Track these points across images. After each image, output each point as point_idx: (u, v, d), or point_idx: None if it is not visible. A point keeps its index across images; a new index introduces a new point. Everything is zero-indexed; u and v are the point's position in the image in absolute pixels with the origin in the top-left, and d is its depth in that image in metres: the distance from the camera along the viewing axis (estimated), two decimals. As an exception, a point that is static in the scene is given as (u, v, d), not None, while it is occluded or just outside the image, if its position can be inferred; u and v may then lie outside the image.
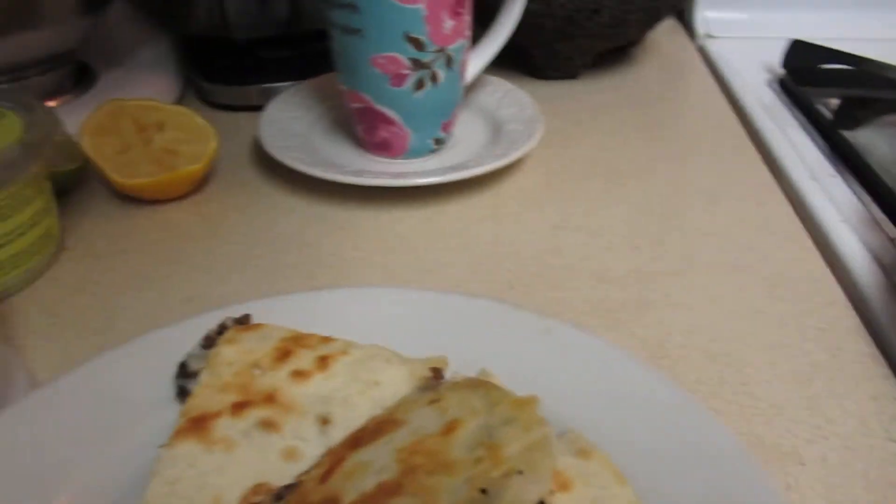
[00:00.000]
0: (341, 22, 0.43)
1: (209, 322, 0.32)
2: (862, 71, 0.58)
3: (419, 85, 0.45)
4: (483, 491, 0.21)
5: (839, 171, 0.48)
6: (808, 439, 0.31)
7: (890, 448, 0.30)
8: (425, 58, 0.43)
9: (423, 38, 0.43)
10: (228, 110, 0.59)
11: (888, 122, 0.53)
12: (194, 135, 0.46)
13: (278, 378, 0.29)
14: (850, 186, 0.47)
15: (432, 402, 0.26)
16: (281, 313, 0.33)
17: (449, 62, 0.45)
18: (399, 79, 0.44)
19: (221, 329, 0.31)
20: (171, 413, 0.29)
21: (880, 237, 0.42)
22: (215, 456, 0.26)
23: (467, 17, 0.45)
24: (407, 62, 0.43)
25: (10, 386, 0.31)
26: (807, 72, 0.59)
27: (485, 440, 0.23)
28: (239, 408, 0.27)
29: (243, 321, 0.32)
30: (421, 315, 0.33)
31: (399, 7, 0.41)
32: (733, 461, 0.25)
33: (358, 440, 0.26)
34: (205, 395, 0.28)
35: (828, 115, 0.54)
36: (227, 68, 0.62)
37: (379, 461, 0.24)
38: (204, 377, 0.28)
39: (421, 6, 0.41)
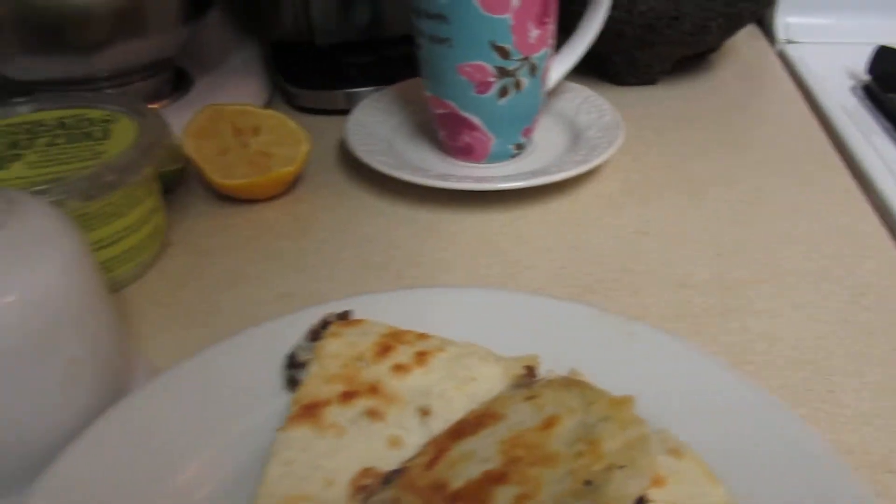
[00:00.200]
0: (430, 31, 0.45)
1: (311, 317, 0.34)
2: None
3: (503, 92, 0.46)
4: (587, 483, 0.22)
5: (926, 180, 0.48)
6: (897, 448, 0.31)
7: (982, 460, 0.30)
8: (510, 66, 0.45)
9: (508, 46, 0.44)
10: (312, 113, 0.61)
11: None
12: (287, 138, 0.48)
13: (380, 371, 0.30)
14: (937, 195, 0.46)
15: (529, 398, 0.28)
16: (377, 310, 0.34)
17: (533, 70, 0.46)
18: (484, 86, 0.46)
19: (324, 324, 0.33)
20: (280, 399, 0.31)
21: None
22: (326, 441, 0.28)
23: (552, 26, 0.46)
24: (492, 70, 0.45)
25: (134, 370, 0.33)
26: (893, 78, 0.59)
27: (583, 436, 0.24)
28: (346, 397, 0.29)
29: (344, 317, 0.34)
30: (511, 315, 0.34)
31: (487, 17, 0.42)
32: (824, 466, 0.26)
33: (459, 431, 0.27)
34: (314, 385, 0.30)
35: (914, 122, 0.53)
36: (311, 73, 0.64)
37: (482, 451, 0.25)
38: (312, 368, 0.30)
39: (508, 16, 0.43)
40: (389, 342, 0.31)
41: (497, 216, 0.48)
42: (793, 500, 0.25)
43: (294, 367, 0.32)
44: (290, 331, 0.34)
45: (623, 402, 0.25)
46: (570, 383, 0.28)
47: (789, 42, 0.69)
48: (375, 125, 0.54)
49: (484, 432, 0.26)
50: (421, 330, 0.33)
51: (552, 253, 0.44)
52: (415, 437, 0.28)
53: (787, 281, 0.41)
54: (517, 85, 0.46)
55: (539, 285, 0.41)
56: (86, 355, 0.29)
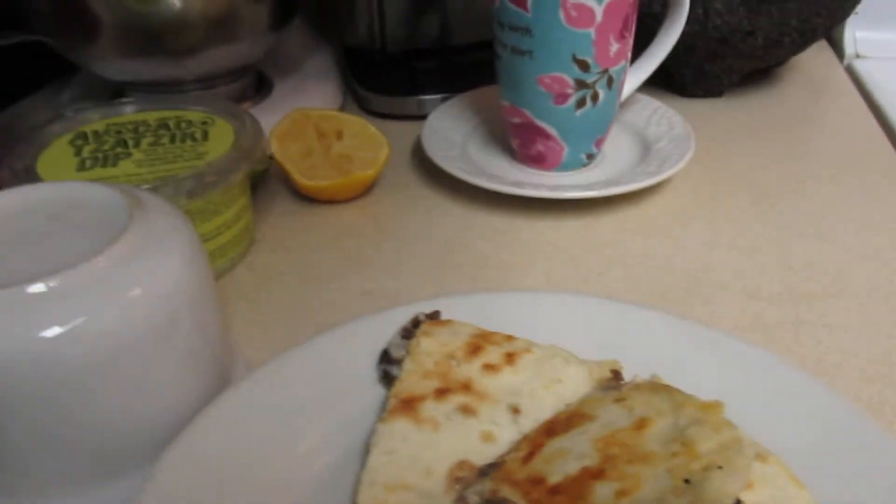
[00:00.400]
0: (512, 43, 0.46)
1: (401, 316, 0.36)
2: None
3: (580, 103, 0.47)
4: (686, 481, 0.23)
5: None
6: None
7: None
8: (589, 78, 0.46)
9: (589, 59, 0.45)
10: (382, 118, 0.63)
11: None
12: (369, 142, 0.51)
13: (472, 369, 0.32)
14: None
15: (618, 400, 0.29)
16: (463, 311, 0.36)
17: (610, 82, 0.47)
18: (563, 98, 0.47)
19: (416, 322, 0.35)
20: (373, 393, 0.33)
21: None
22: (424, 434, 0.30)
23: (630, 40, 0.47)
24: (571, 82, 0.46)
25: (234, 359, 0.35)
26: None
27: (676, 437, 0.26)
28: (441, 393, 0.31)
29: (434, 317, 0.35)
30: (592, 320, 0.35)
31: (571, 31, 0.44)
32: (907, 477, 0.27)
33: (552, 429, 0.29)
34: (410, 381, 0.31)
35: None
36: (383, 78, 0.66)
37: (577, 449, 0.27)
38: (407, 364, 0.32)
39: (591, 30, 0.44)
40: (479, 342, 0.33)
41: (568, 223, 0.49)
42: (877, 509, 0.26)
43: (388, 362, 0.33)
44: (382, 328, 0.35)
45: (713, 407, 0.27)
46: (658, 387, 0.29)
47: (858, 56, 0.69)
48: (449, 131, 0.56)
49: (576, 431, 0.28)
50: (504, 332, 0.35)
51: (624, 261, 0.45)
52: (506, 434, 0.30)
53: (859, 296, 0.42)
54: (594, 97, 0.47)
55: (612, 292, 0.43)
56: (201, 344, 0.32)
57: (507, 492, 0.26)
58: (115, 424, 0.29)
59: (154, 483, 0.27)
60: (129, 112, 0.46)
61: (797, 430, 0.29)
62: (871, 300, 0.41)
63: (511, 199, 0.50)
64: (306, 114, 0.51)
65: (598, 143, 0.52)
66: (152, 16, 0.49)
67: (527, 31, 0.45)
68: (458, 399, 0.31)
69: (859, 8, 0.58)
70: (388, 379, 0.33)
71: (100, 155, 0.42)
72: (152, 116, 0.45)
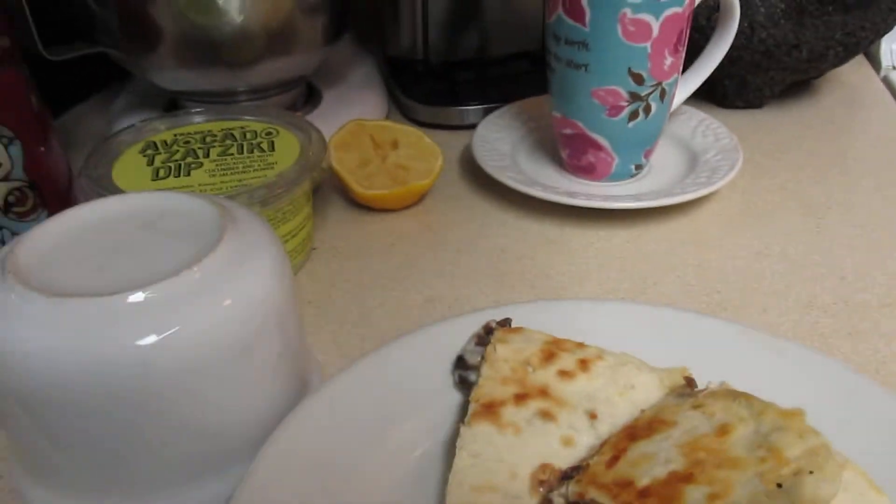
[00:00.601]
0: (567, 56, 0.47)
1: (470, 323, 0.37)
2: None
3: (633, 115, 0.48)
4: (779, 486, 0.24)
5: None
6: None
7: None
8: (643, 91, 0.47)
9: (644, 73, 0.46)
10: (425, 127, 0.64)
11: None
12: (424, 153, 0.52)
13: (548, 375, 0.33)
14: None
15: (696, 406, 0.30)
16: (531, 319, 0.37)
17: (662, 95, 0.48)
18: (616, 110, 0.48)
19: (488, 329, 0.36)
20: (448, 397, 0.34)
21: None
22: (507, 437, 0.31)
23: (683, 53, 0.48)
24: (626, 95, 0.47)
25: (312, 368, 0.37)
26: None
27: (762, 443, 0.27)
28: (520, 398, 0.32)
29: (505, 324, 0.36)
30: (658, 328, 0.36)
31: (628, 45, 0.45)
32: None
33: (633, 434, 0.30)
34: (489, 386, 0.32)
35: None
36: (425, 88, 0.67)
37: (662, 453, 0.28)
38: (485, 370, 0.33)
39: (647, 45, 0.45)
40: (552, 349, 0.34)
41: (619, 233, 0.50)
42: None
43: (464, 368, 0.34)
44: (453, 334, 0.36)
45: (795, 414, 0.27)
46: (736, 394, 0.30)
47: (894, 69, 0.70)
48: (497, 141, 0.57)
49: (658, 436, 0.29)
50: (572, 339, 0.36)
51: (677, 270, 0.46)
52: (585, 438, 0.31)
53: (913, 306, 0.43)
54: (647, 109, 0.48)
55: (668, 301, 0.44)
56: (285, 350, 0.33)
57: (594, 494, 0.27)
58: (207, 428, 0.30)
59: (253, 479, 0.28)
60: (194, 122, 0.47)
61: (871, 438, 0.30)
62: (925, 310, 0.42)
63: (562, 208, 0.51)
64: (362, 124, 0.52)
65: (648, 154, 0.53)
66: (214, 29, 0.50)
67: (584, 45, 0.46)
68: (536, 404, 0.32)
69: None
70: (464, 384, 0.34)
71: (172, 165, 0.43)
72: (217, 127, 0.47)
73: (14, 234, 0.43)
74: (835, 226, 0.50)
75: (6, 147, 0.42)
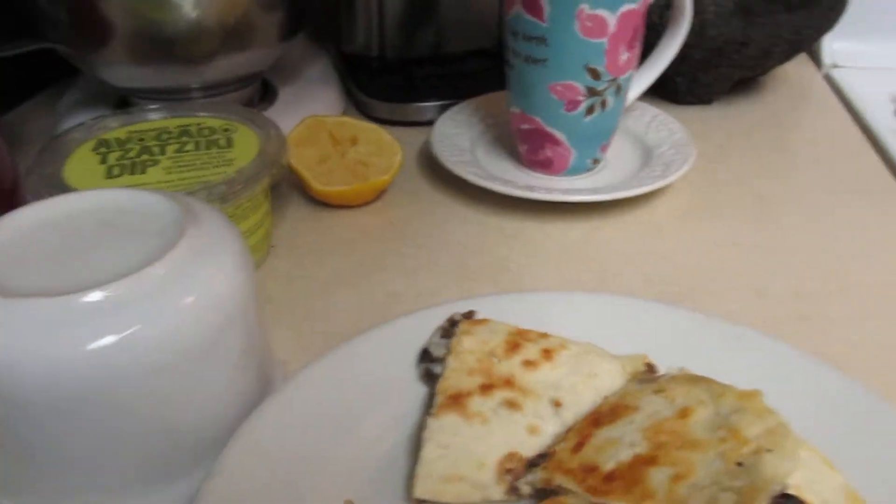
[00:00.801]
0: (526, 52, 0.48)
1: (434, 316, 0.37)
2: None
3: (590, 110, 0.49)
4: (739, 464, 0.25)
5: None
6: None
7: None
8: (600, 86, 0.48)
9: (600, 68, 0.47)
10: (381, 123, 0.64)
11: None
12: (383, 149, 0.52)
13: (512, 365, 0.33)
14: None
15: (657, 391, 0.31)
16: (495, 311, 0.37)
17: (618, 90, 0.49)
18: (573, 104, 0.49)
19: (452, 322, 0.36)
20: (414, 390, 0.35)
21: None
22: (474, 427, 0.31)
23: (638, 50, 0.49)
24: (583, 90, 0.48)
25: (274, 366, 0.36)
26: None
27: (722, 424, 0.27)
28: (486, 389, 0.32)
29: (469, 316, 0.37)
30: (619, 317, 0.37)
31: (585, 41, 0.46)
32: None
33: (597, 420, 0.30)
34: (455, 378, 0.33)
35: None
36: (381, 85, 0.67)
37: (626, 437, 0.28)
38: (450, 362, 0.33)
39: (604, 40, 0.46)
40: (516, 340, 0.35)
41: (577, 226, 0.51)
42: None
43: (429, 360, 0.35)
44: (417, 328, 0.37)
45: (752, 395, 0.28)
46: (696, 378, 0.31)
47: (834, 66, 0.72)
48: (456, 137, 0.57)
49: (622, 421, 0.30)
50: (536, 330, 0.36)
51: (635, 261, 0.47)
52: (550, 426, 0.32)
53: (858, 292, 0.44)
54: (603, 104, 0.49)
55: (629, 291, 0.44)
56: (249, 348, 0.32)
57: (561, 480, 0.28)
58: (171, 429, 0.30)
59: (219, 475, 0.28)
60: (149, 119, 0.46)
61: (821, 417, 0.31)
62: (869, 296, 0.44)
63: (521, 202, 0.51)
64: (321, 121, 0.52)
65: (604, 149, 0.53)
66: (168, 24, 0.49)
67: (542, 40, 0.46)
68: (502, 394, 0.32)
69: (837, 20, 0.62)
70: (429, 377, 0.34)
71: (126, 162, 0.42)
72: (173, 124, 0.46)
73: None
74: (783, 217, 0.52)
75: (-50, 145, 0.40)
